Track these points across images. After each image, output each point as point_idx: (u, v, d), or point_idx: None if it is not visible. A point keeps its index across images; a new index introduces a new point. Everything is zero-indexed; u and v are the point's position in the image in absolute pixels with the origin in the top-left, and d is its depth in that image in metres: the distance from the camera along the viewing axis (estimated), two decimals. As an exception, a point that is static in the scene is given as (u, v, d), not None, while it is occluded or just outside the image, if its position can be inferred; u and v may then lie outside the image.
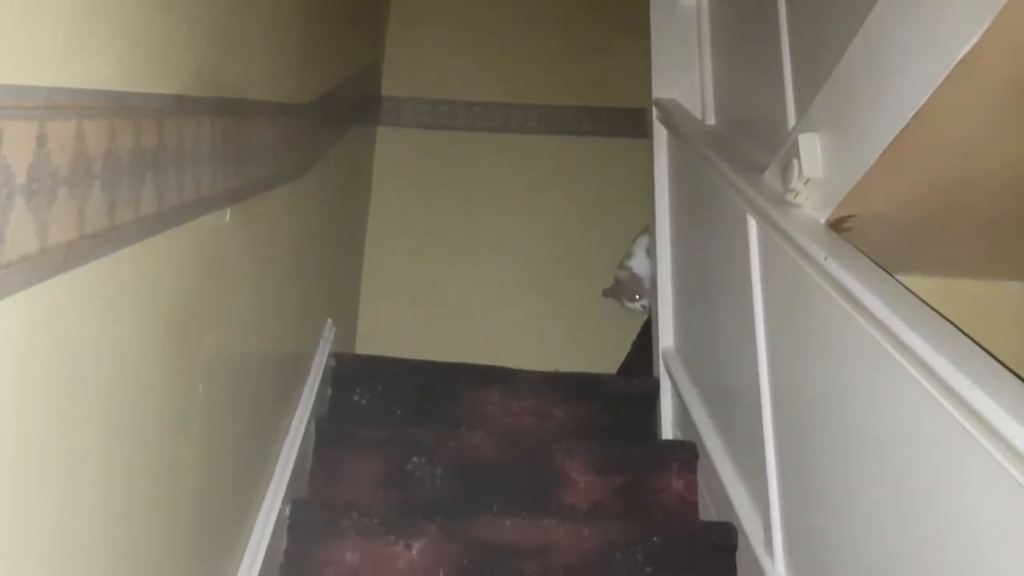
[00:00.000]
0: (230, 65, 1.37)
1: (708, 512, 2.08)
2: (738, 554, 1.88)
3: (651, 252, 2.75)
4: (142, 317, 1.03)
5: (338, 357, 2.46)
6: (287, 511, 1.85)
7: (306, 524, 1.86)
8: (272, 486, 1.80)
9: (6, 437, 0.73)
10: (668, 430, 2.42)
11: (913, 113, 1.37)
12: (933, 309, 1.32)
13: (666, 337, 2.54)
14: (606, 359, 3.07)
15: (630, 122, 3.68)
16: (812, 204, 1.70)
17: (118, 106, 0.91)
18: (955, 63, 1.26)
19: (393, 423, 2.35)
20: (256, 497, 1.72)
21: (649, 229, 2.77)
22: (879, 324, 1.30)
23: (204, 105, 1.21)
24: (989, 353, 1.15)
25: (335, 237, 2.68)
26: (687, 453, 2.19)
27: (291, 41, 1.85)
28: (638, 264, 2.95)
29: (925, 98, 1.34)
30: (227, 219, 1.36)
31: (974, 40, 1.22)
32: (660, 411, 2.47)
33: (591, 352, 3.12)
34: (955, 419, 1.10)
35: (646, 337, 2.81)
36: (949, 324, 1.25)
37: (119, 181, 0.91)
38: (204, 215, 1.24)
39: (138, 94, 0.96)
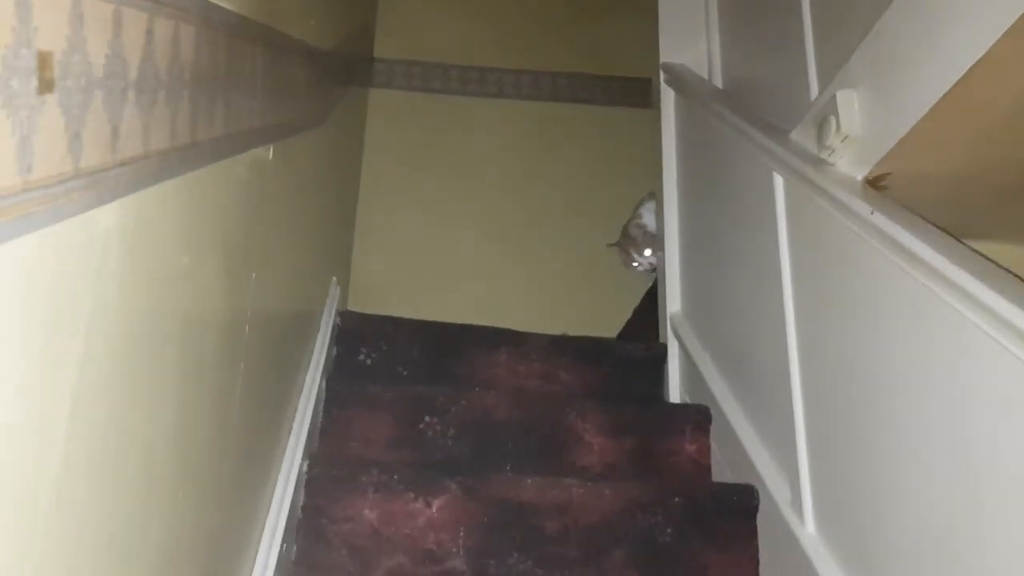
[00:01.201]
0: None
1: (723, 475, 2.08)
2: (760, 516, 1.87)
3: (657, 215, 2.73)
4: (210, 243, 0.99)
5: (343, 316, 2.41)
6: (304, 467, 1.80)
7: (324, 480, 1.82)
8: (291, 441, 1.76)
9: (111, 336, 0.69)
10: (676, 394, 2.42)
11: (968, 67, 1.36)
12: (987, 258, 1.31)
13: (673, 301, 2.53)
14: (606, 323, 3.06)
15: (625, 91, 3.67)
16: (848, 162, 1.68)
17: (204, 16, 0.86)
18: (1019, 15, 1.25)
19: (402, 383, 2.31)
20: (278, 451, 1.67)
21: (655, 194, 2.75)
22: (935, 274, 1.29)
23: (259, 32, 1.16)
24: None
25: (338, 194, 2.63)
26: (700, 416, 2.19)
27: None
28: (648, 220, 2.90)
29: (983, 52, 1.32)
30: (270, 156, 1.31)
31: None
32: (668, 375, 2.46)
33: (590, 316, 3.10)
34: (1027, 366, 1.09)
35: (650, 302, 2.80)
36: (1008, 271, 1.24)
37: (200, 96, 0.86)
38: (255, 147, 1.19)
39: (217, 7, 0.91)
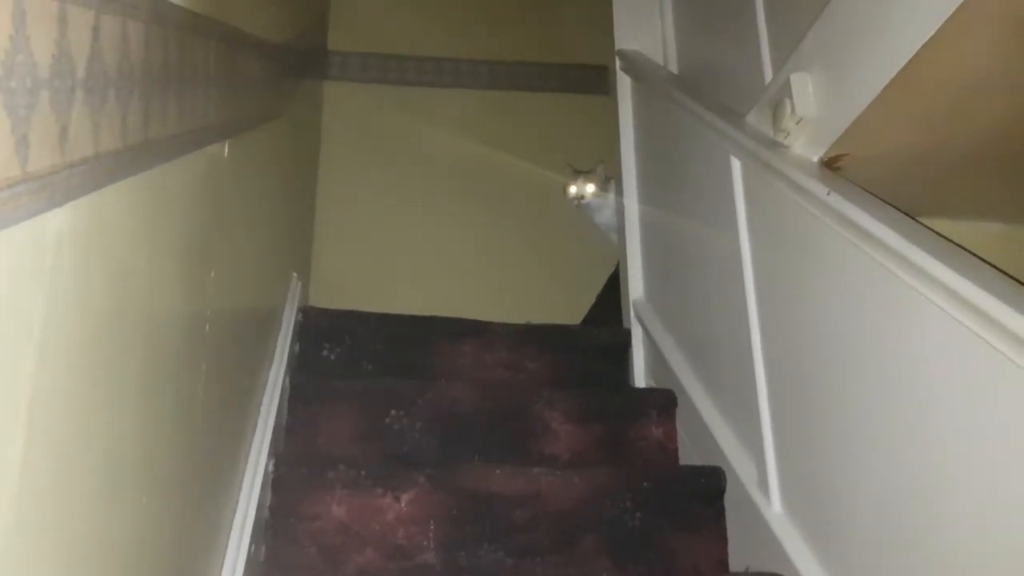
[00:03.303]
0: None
1: (690, 458, 2.10)
2: (727, 497, 1.89)
3: (616, 202, 2.74)
4: (168, 243, 0.97)
5: (305, 311, 2.39)
6: (270, 466, 1.79)
7: (291, 479, 1.81)
8: (256, 440, 1.74)
9: (68, 340, 0.68)
10: (641, 379, 2.43)
11: (917, 48, 1.37)
12: (941, 235, 1.33)
13: (636, 287, 2.54)
14: (570, 310, 3.06)
15: (582, 79, 3.68)
16: (803, 144, 1.70)
17: (154, 12, 0.84)
18: (965, -3, 1.27)
19: (367, 377, 2.30)
20: (244, 450, 1.66)
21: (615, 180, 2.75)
22: (890, 252, 1.31)
23: (212, 27, 1.14)
24: (1010, 276, 1.17)
25: (296, 189, 2.60)
26: (665, 400, 2.20)
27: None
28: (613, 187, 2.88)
29: (931, 32, 1.34)
30: (226, 153, 1.30)
31: (989, -31, 1.22)
32: (632, 360, 2.47)
33: (554, 303, 3.10)
34: (983, 340, 1.11)
35: (612, 288, 2.81)
36: (964, 249, 1.26)
37: (152, 93, 0.85)
38: (211, 144, 1.18)
39: (167, 2, 0.90)
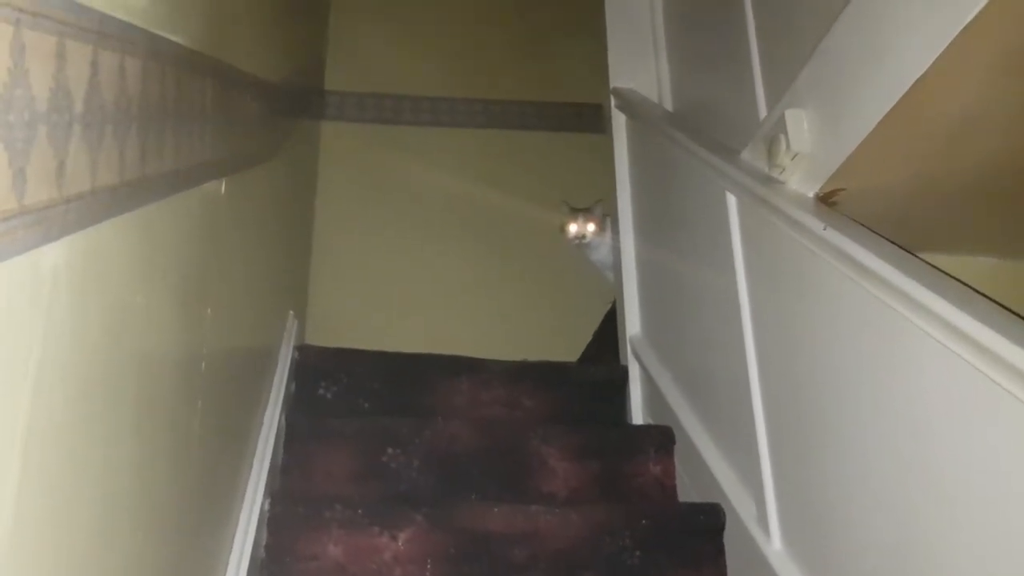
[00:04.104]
0: (224, 29, 1.30)
1: (689, 495, 2.08)
2: (727, 534, 1.87)
3: (613, 240, 2.74)
4: (164, 280, 0.97)
5: (301, 350, 2.38)
6: (266, 505, 1.77)
7: (287, 518, 1.79)
8: (252, 479, 1.73)
9: (64, 373, 0.67)
10: (639, 415, 2.42)
11: (910, 84, 1.38)
12: (937, 269, 1.34)
13: (633, 324, 2.54)
14: (567, 347, 3.06)
15: (577, 117, 3.70)
16: (799, 179, 1.71)
17: (151, 48, 0.85)
18: (959, 30, 1.28)
19: (363, 415, 2.28)
20: (239, 489, 1.64)
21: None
22: (886, 285, 1.31)
23: (209, 65, 1.15)
24: (1012, 311, 1.17)
25: (293, 228, 2.60)
26: (663, 437, 2.19)
27: (266, 15, 1.78)
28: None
29: (925, 67, 1.35)
30: (223, 191, 1.30)
31: (981, 5, 1.24)
32: (629, 397, 2.46)
33: (551, 341, 3.10)
34: (981, 372, 1.11)
35: (609, 325, 2.80)
36: (961, 283, 1.26)
37: (148, 129, 0.85)
38: (208, 182, 1.18)
39: (165, 39, 0.90)
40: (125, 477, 0.87)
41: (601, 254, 2.90)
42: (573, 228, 2.93)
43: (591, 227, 2.90)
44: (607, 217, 2.86)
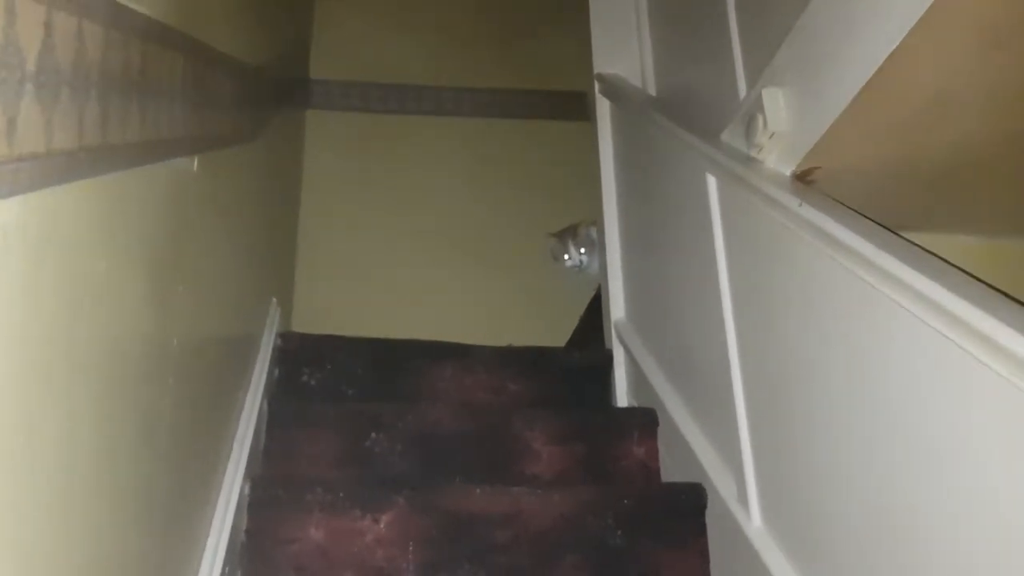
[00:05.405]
0: (197, 6, 1.30)
1: (671, 476, 2.08)
2: (708, 513, 1.88)
3: (598, 225, 2.74)
4: (129, 251, 0.97)
5: (284, 337, 2.38)
6: (246, 489, 1.77)
7: (267, 501, 1.79)
8: (232, 463, 1.72)
9: (14, 337, 0.67)
10: (624, 399, 2.42)
11: (883, 59, 1.38)
12: (913, 243, 1.34)
13: (617, 308, 2.54)
14: (553, 334, 3.06)
15: (561, 105, 3.70)
16: (777, 158, 1.71)
17: (113, 16, 0.84)
18: (928, 6, 1.28)
19: (347, 401, 2.28)
20: (218, 473, 1.64)
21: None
22: (862, 260, 1.31)
23: (179, 40, 1.15)
24: (985, 282, 1.17)
25: (275, 214, 2.60)
26: (647, 419, 2.19)
27: (242, -3, 1.78)
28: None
29: (896, 43, 1.35)
30: (195, 168, 1.29)
31: (950, -22, 1.24)
32: (614, 381, 2.46)
33: (536, 328, 3.10)
34: (954, 343, 1.11)
35: (594, 311, 2.80)
36: (934, 255, 1.26)
37: (110, 97, 0.85)
38: (177, 157, 1.17)
39: (131, 10, 0.90)
40: (87, 454, 0.87)
41: (594, 269, 2.93)
42: (569, 261, 2.98)
43: (583, 251, 2.94)
44: (593, 225, 2.89)
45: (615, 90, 2.63)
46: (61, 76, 0.71)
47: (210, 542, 1.51)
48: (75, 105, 0.75)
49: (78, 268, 0.79)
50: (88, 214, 0.82)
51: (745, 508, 1.71)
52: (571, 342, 3.09)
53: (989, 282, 1.20)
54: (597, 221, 2.75)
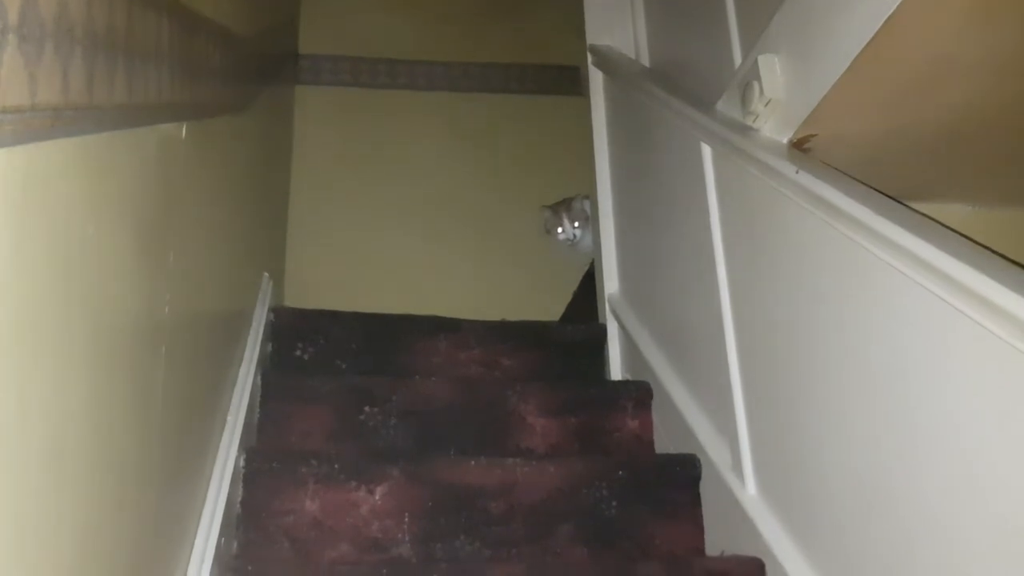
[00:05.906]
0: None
1: (665, 448, 2.08)
2: (703, 483, 1.88)
3: (591, 198, 2.73)
4: (118, 214, 0.95)
5: (276, 312, 2.36)
6: (241, 461, 1.76)
7: (262, 473, 1.78)
8: (226, 435, 1.72)
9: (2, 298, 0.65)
10: (618, 372, 2.42)
11: (879, 26, 1.37)
12: (908, 207, 1.33)
13: (611, 282, 2.53)
14: (547, 308, 3.05)
15: (556, 80, 3.68)
16: (772, 126, 1.70)
17: (96, -29, 0.82)
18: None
19: (341, 375, 2.27)
20: (212, 444, 1.63)
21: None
22: (861, 226, 1.30)
23: (165, 3, 1.13)
24: (985, 246, 1.16)
25: (266, 189, 2.58)
26: (641, 392, 2.19)
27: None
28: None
29: (892, 9, 1.34)
30: (183, 135, 1.28)
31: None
32: (608, 355, 2.46)
33: (530, 302, 3.08)
34: (952, 306, 1.11)
35: (588, 285, 2.80)
36: (931, 219, 1.26)
37: (96, 56, 0.83)
38: (165, 123, 1.16)
39: (113, -35, 0.88)
40: (79, 421, 0.85)
41: (586, 243, 2.93)
42: (562, 234, 2.98)
43: (576, 224, 2.95)
44: (586, 199, 2.88)
45: (608, 61, 2.61)
46: (44, 30, 0.69)
47: (205, 513, 1.51)
48: (60, 61, 0.73)
49: (65, 227, 0.78)
50: (76, 173, 0.80)
51: (740, 477, 1.71)
52: (565, 316, 3.09)
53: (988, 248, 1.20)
54: (591, 195, 2.74)
